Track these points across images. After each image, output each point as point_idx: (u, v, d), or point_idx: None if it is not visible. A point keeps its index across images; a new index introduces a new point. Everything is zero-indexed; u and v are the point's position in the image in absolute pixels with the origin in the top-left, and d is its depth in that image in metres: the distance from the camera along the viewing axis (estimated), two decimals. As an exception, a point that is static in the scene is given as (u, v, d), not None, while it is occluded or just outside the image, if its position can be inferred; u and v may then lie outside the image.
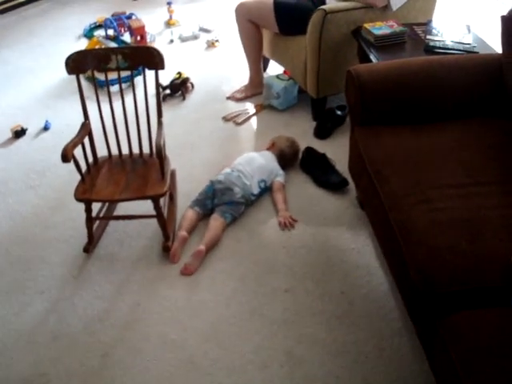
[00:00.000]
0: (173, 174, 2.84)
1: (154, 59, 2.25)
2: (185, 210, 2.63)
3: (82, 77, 2.34)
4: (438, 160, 2.04)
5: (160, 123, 2.36)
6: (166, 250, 2.44)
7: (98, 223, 2.57)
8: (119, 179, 2.36)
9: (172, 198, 2.69)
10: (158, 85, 2.36)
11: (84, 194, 2.28)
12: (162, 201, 2.39)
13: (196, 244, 2.46)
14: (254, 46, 3.51)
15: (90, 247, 2.48)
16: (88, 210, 2.36)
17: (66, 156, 2.15)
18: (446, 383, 1.56)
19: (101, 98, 2.41)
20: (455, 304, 1.59)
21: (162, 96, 3.63)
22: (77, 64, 2.29)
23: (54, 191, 2.86)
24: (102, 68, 2.30)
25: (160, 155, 2.21)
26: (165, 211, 2.50)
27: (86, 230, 2.45)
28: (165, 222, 2.41)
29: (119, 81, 2.39)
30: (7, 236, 2.61)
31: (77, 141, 2.27)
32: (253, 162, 2.77)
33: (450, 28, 2.81)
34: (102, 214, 2.59)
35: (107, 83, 2.38)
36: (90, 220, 2.41)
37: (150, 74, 2.32)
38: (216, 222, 2.52)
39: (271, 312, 2.18)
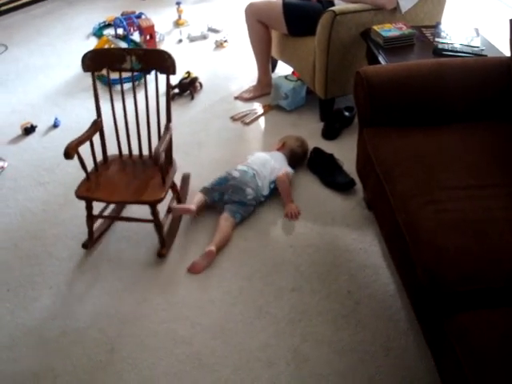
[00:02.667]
0: (185, 178, 2.86)
1: (165, 63, 2.26)
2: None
3: (88, 75, 2.35)
4: (445, 162, 2.05)
5: (167, 128, 2.35)
6: (160, 256, 2.44)
7: (104, 220, 2.60)
8: (122, 180, 2.37)
9: (180, 203, 2.68)
10: (168, 89, 2.34)
11: (84, 192, 2.30)
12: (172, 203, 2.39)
13: (204, 240, 2.50)
14: (262, 46, 3.52)
15: (89, 244, 2.50)
16: (88, 208, 2.38)
17: (69, 153, 2.18)
18: (453, 383, 1.58)
19: (108, 97, 2.43)
20: (462, 304, 1.60)
21: (170, 95, 3.65)
22: (93, 62, 2.31)
23: (63, 188, 2.88)
24: (116, 68, 2.32)
25: (158, 162, 2.16)
26: (170, 216, 2.55)
27: (101, 227, 2.49)
28: (161, 228, 2.40)
29: (133, 82, 2.41)
30: (17, 231, 2.63)
31: (83, 138, 2.29)
32: (266, 164, 2.77)
33: (458, 31, 2.82)
34: (109, 212, 2.62)
35: (121, 83, 2.39)
36: (90, 217, 2.43)
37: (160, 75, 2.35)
38: (226, 222, 2.53)
39: (278, 310, 2.20)
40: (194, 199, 2.63)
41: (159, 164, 2.17)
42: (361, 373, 1.96)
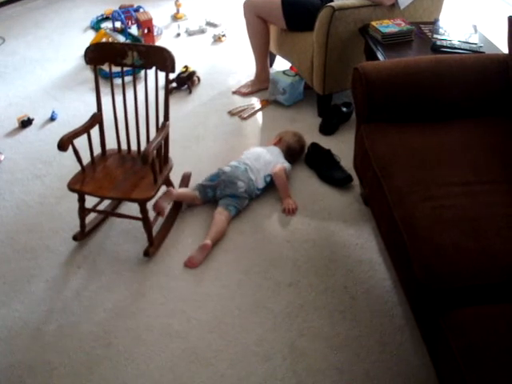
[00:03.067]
0: (185, 177, 2.84)
1: (165, 62, 2.24)
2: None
3: (89, 68, 2.34)
4: (443, 158, 2.05)
5: (164, 126, 2.32)
6: (146, 254, 2.42)
7: (98, 214, 2.60)
8: (116, 175, 2.36)
9: (176, 202, 2.68)
10: (167, 88, 2.33)
11: (75, 185, 2.30)
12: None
13: (201, 235, 2.50)
14: (260, 41, 3.51)
15: (79, 236, 2.50)
16: (81, 200, 2.39)
17: (63, 145, 2.19)
18: (448, 378, 1.58)
19: (107, 90, 2.42)
20: (458, 300, 1.61)
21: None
22: (95, 55, 2.30)
23: (60, 181, 2.87)
24: (117, 63, 2.31)
25: (146, 163, 2.14)
26: (165, 213, 2.56)
27: (95, 220, 2.49)
28: (150, 227, 2.39)
29: (134, 79, 2.40)
30: (13, 225, 2.63)
31: (79, 131, 2.29)
32: (260, 158, 2.77)
33: (456, 27, 2.82)
34: (105, 206, 2.63)
35: (122, 77, 2.38)
36: (82, 210, 2.43)
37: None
38: (221, 215, 2.54)
39: (275, 305, 2.20)
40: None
41: (149, 164, 2.16)
42: (357, 368, 1.97)
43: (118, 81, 2.40)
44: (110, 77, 2.41)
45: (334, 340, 2.06)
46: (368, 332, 2.09)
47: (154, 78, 2.34)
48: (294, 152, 2.95)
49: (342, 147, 3.03)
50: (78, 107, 3.53)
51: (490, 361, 1.42)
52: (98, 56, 2.31)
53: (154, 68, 2.29)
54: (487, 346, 1.45)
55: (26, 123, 3.35)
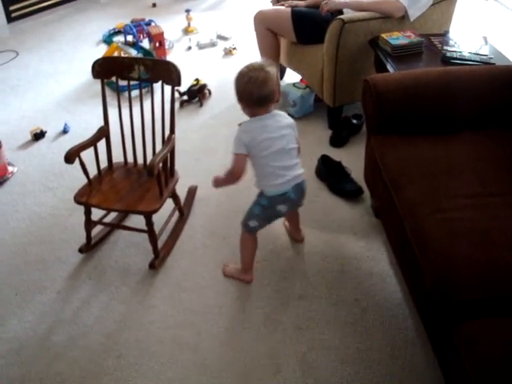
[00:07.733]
0: (191, 191, 2.85)
1: (171, 75, 2.26)
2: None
3: (98, 82, 2.37)
4: (453, 170, 2.05)
5: (169, 139, 2.34)
6: (151, 267, 2.42)
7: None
8: (122, 188, 2.38)
9: (182, 215, 2.69)
10: (173, 101, 2.34)
11: (82, 197, 2.32)
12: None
13: (212, 244, 2.50)
14: (271, 54, 3.53)
15: (86, 248, 2.52)
16: (87, 213, 2.40)
17: (69, 158, 2.22)
18: (459, 392, 1.57)
19: (116, 104, 2.45)
20: (470, 313, 1.60)
21: (179, 102, 3.67)
22: (102, 69, 2.33)
23: (71, 193, 2.83)
24: (124, 76, 2.33)
25: (152, 175, 2.14)
26: (170, 226, 2.58)
27: (102, 232, 2.50)
28: (155, 239, 2.39)
29: (140, 92, 2.43)
30: (25, 236, 2.64)
31: (86, 144, 2.31)
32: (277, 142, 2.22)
33: (466, 39, 2.82)
34: (112, 218, 2.65)
35: (129, 91, 2.40)
36: (88, 222, 2.45)
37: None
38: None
39: (285, 318, 2.20)
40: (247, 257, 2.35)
41: (154, 176, 2.17)
42: (367, 381, 1.95)
43: (126, 94, 2.43)
44: (117, 91, 2.44)
45: (344, 353, 2.05)
46: (379, 345, 2.08)
47: (161, 91, 2.35)
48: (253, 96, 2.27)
49: (353, 159, 3.02)
50: (90, 120, 3.55)
51: (501, 374, 1.40)
52: (105, 70, 2.34)
53: (161, 82, 2.31)
54: (498, 359, 1.44)
55: (38, 136, 3.38)
